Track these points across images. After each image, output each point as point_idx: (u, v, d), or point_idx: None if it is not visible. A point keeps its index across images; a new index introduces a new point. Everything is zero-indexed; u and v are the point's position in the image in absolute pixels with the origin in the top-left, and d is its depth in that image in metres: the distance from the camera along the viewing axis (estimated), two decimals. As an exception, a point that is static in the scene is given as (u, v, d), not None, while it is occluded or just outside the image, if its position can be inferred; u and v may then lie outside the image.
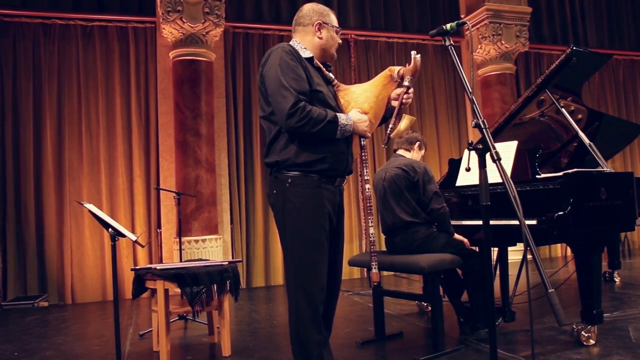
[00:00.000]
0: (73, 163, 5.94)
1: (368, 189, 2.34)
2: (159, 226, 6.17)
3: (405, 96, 2.29)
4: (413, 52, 2.30)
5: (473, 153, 1.63)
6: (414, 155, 3.61)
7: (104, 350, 3.62)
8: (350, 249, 6.92)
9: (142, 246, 2.91)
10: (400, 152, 3.63)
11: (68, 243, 5.84)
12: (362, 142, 2.35)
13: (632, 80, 8.84)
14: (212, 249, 5.99)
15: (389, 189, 3.44)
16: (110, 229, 2.75)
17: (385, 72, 2.42)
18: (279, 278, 6.47)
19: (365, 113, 2.32)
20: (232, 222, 6.45)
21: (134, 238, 2.76)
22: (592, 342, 3.14)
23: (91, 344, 3.83)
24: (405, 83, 2.33)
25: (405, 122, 3.10)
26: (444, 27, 1.78)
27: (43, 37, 5.97)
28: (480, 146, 1.57)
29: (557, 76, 3.70)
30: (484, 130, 1.57)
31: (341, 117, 2.24)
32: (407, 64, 2.37)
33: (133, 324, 4.44)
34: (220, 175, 6.39)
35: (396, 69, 2.41)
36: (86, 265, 5.88)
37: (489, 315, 1.73)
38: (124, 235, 2.77)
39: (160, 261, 6.14)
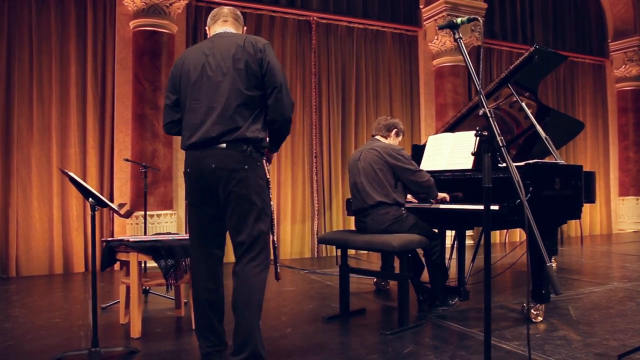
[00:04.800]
0: (22, 130, 5.68)
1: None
2: (111, 199, 6.03)
3: None
4: None
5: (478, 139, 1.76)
6: (390, 141, 3.74)
7: (67, 322, 3.56)
8: (302, 229, 7.05)
9: (127, 217, 2.88)
10: (378, 137, 3.75)
11: (14, 213, 5.60)
12: (267, 168, 2.57)
13: (571, 80, 9.42)
14: (167, 224, 5.94)
15: (363, 169, 3.56)
16: (90, 199, 2.71)
17: None
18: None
19: None
20: (186, 198, 6.39)
21: (116, 208, 2.73)
22: (540, 319, 3.43)
23: (51, 316, 3.74)
24: None
25: None
26: (454, 20, 1.89)
27: (-8, -5, 5.64)
28: (486, 133, 1.71)
29: (520, 72, 3.93)
30: (490, 119, 1.71)
31: None
32: None
33: (91, 297, 4.36)
34: (177, 150, 6.30)
35: None
36: (33, 237, 5.67)
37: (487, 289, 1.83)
38: (105, 205, 2.74)
39: (112, 236, 6.02)
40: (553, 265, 5.72)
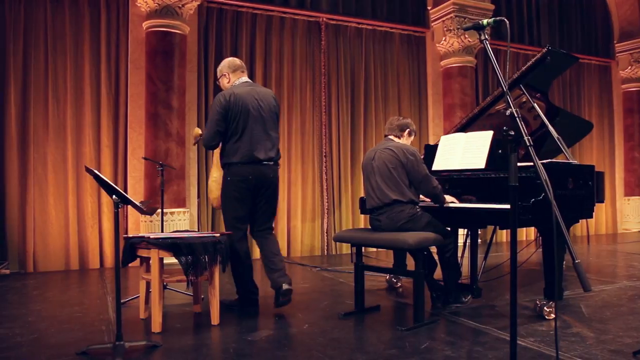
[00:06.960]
0: (38, 129, 5.76)
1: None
2: (124, 198, 6.10)
3: None
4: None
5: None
6: (404, 141, 3.80)
7: (88, 317, 3.64)
8: (312, 227, 7.12)
9: (150, 214, 2.95)
10: (391, 137, 3.81)
11: (31, 211, 5.69)
12: None
13: (577, 82, 9.47)
14: (180, 222, 6.02)
15: (378, 168, 3.62)
16: (114, 196, 2.78)
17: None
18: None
19: None
20: (198, 196, 6.48)
21: (139, 205, 2.80)
22: (553, 316, 3.47)
23: (72, 310, 3.82)
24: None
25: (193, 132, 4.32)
26: (480, 22, 1.94)
27: (8, -4, 5.72)
28: (512, 133, 1.77)
29: (532, 73, 3.99)
30: (516, 119, 1.77)
31: None
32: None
33: (109, 293, 4.45)
34: (189, 149, 6.38)
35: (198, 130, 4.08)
36: (49, 233, 5.76)
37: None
38: (128, 202, 2.81)
39: (125, 233, 6.09)
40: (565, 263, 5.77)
